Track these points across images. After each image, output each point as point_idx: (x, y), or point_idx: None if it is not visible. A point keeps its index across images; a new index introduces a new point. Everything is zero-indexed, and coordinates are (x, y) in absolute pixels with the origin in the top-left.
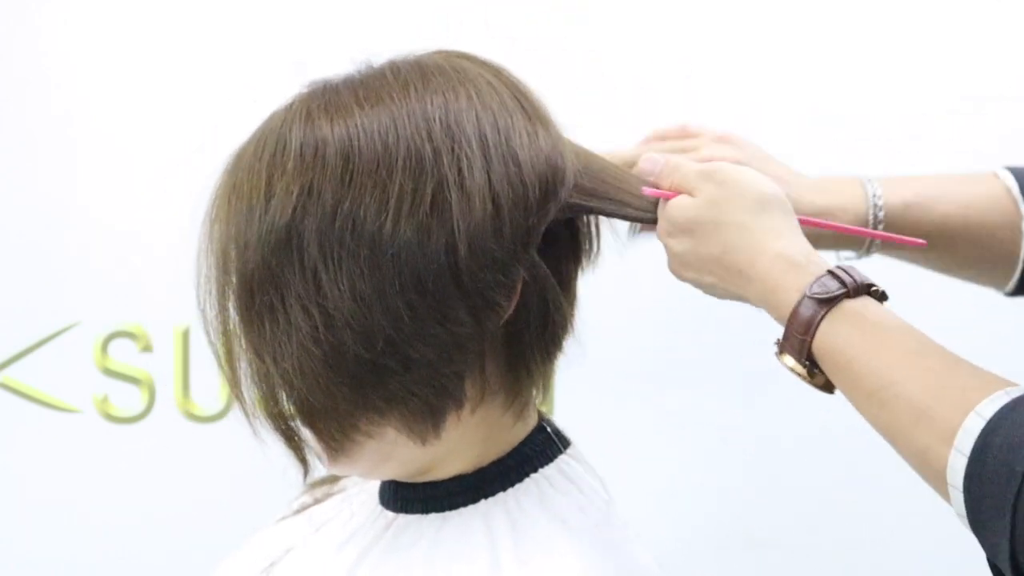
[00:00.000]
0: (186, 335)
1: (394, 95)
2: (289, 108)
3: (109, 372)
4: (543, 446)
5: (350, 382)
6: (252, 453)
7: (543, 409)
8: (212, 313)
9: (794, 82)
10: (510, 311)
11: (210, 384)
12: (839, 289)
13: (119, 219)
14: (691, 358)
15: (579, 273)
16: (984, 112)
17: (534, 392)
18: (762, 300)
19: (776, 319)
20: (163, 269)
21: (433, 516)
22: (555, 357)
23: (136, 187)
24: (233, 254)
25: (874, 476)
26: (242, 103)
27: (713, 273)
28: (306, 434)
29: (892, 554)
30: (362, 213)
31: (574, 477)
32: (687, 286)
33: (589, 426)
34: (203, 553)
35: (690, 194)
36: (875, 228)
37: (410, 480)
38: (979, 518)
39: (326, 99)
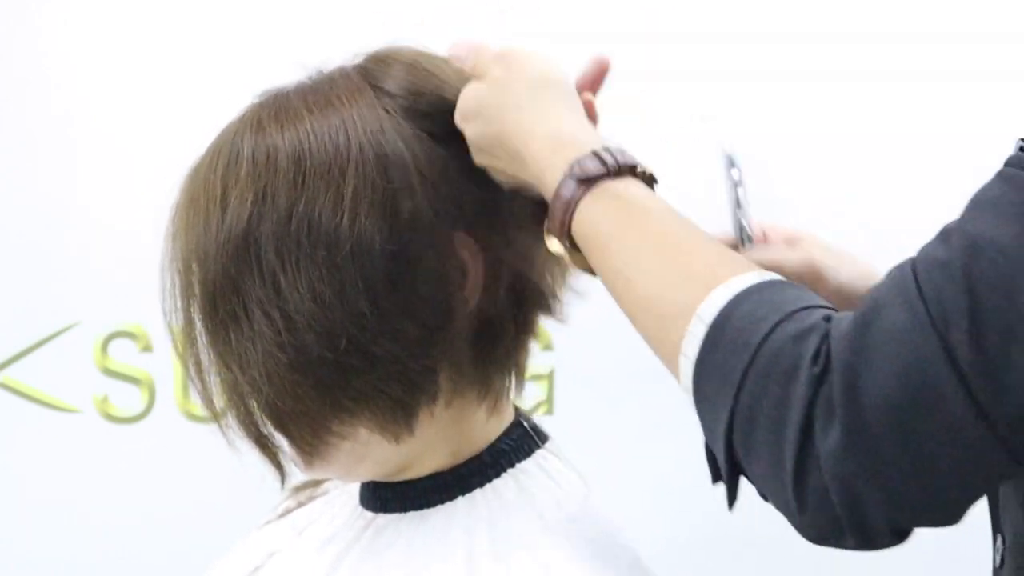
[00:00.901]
0: None
1: (343, 98)
2: (240, 119)
3: (109, 372)
4: (520, 441)
5: (316, 384)
6: (251, 454)
7: (545, 408)
8: (178, 327)
9: (784, 80)
10: (475, 295)
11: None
12: (599, 169)
13: (119, 219)
14: None
15: (541, 249)
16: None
17: (508, 384)
18: (537, 182)
19: (548, 201)
20: None
21: (411, 515)
22: (526, 344)
23: (136, 187)
24: (194, 266)
25: None
26: (242, 103)
27: (499, 158)
28: (280, 440)
29: (890, 553)
30: (317, 214)
31: (552, 472)
32: None
33: (587, 425)
34: (202, 553)
35: (481, 78)
36: None
37: (388, 479)
38: (704, 390)
39: (276, 107)
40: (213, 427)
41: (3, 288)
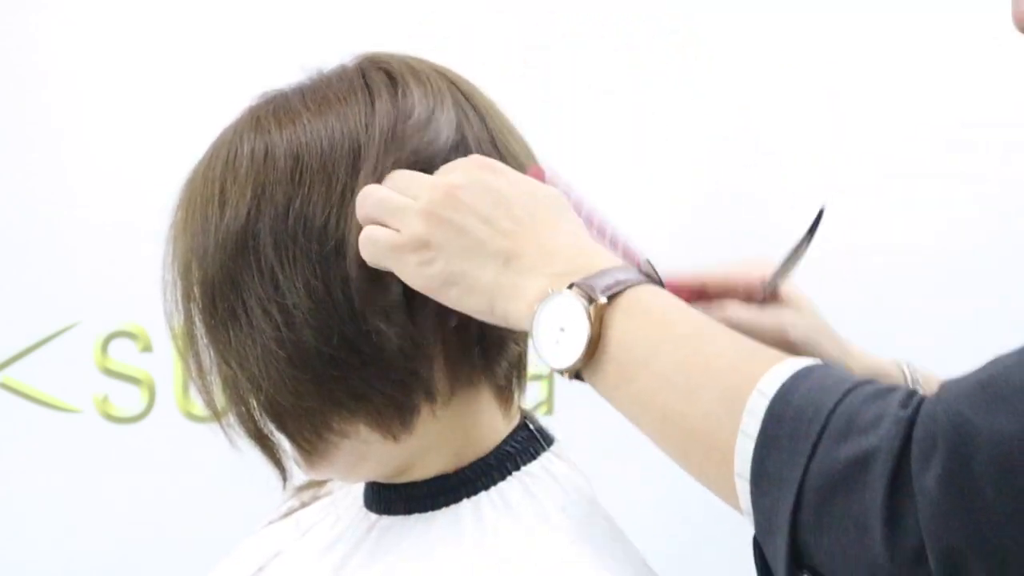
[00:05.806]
0: None
1: (340, 96)
2: (238, 120)
3: (109, 372)
4: (526, 444)
5: (314, 379)
6: (252, 453)
7: (545, 409)
8: (179, 327)
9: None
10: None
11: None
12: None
13: (119, 219)
14: None
15: None
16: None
17: (509, 382)
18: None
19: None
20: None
21: (416, 517)
22: (509, 343)
23: (137, 187)
24: (193, 266)
25: None
26: (243, 103)
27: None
28: (281, 439)
29: None
30: (311, 210)
31: (558, 475)
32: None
33: (587, 425)
34: (203, 553)
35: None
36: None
37: (391, 481)
38: (766, 470)
39: (274, 106)
40: (213, 427)
41: (3, 288)
